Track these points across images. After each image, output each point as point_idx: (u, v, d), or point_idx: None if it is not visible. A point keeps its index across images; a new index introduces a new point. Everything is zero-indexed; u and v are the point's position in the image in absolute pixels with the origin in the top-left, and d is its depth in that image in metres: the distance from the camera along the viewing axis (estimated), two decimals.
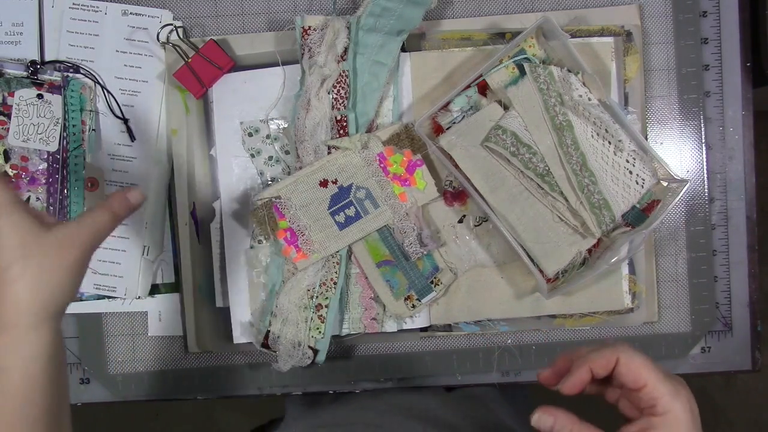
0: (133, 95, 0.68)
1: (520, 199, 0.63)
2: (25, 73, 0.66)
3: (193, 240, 0.68)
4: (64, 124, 0.66)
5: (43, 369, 0.43)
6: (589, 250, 0.64)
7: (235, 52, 0.68)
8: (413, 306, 0.65)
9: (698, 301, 0.68)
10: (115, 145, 0.68)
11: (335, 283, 0.65)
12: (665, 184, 0.64)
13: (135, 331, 0.70)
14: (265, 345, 0.66)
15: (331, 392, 0.70)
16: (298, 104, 0.64)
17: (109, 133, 0.68)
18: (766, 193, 0.98)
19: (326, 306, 0.65)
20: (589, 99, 0.63)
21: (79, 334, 0.69)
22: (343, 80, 0.64)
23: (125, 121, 0.68)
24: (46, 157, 0.66)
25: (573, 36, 0.65)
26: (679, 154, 0.69)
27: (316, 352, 0.65)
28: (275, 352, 0.65)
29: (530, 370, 0.69)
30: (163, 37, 0.66)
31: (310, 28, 0.64)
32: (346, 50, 0.64)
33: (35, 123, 0.66)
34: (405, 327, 0.67)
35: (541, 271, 0.63)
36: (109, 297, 0.68)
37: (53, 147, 0.66)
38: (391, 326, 0.67)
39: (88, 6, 0.68)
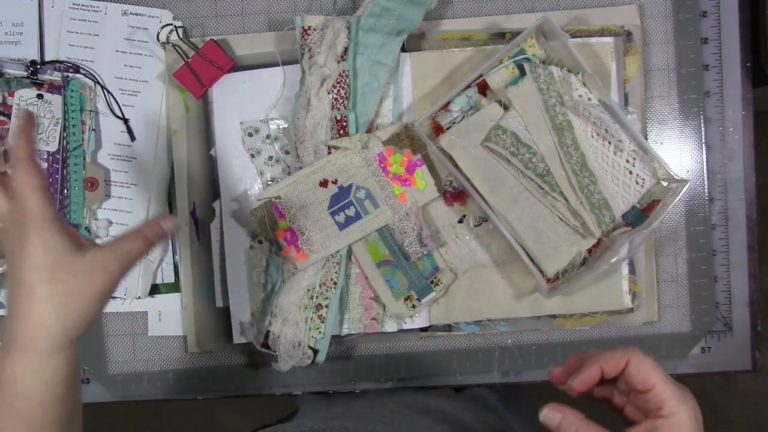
0: (133, 95, 0.68)
1: (520, 199, 0.63)
2: (25, 73, 0.66)
3: (193, 240, 0.68)
4: (64, 124, 0.66)
5: (60, 394, 0.43)
6: (589, 250, 0.64)
7: (235, 52, 0.68)
8: (413, 306, 0.65)
9: (698, 301, 0.68)
10: (115, 145, 0.68)
11: (335, 283, 0.65)
12: (665, 184, 0.64)
13: (135, 331, 0.70)
14: (265, 345, 0.66)
15: (299, 393, 0.70)
16: (298, 104, 0.64)
17: (109, 133, 0.68)
18: (766, 193, 0.98)
19: (326, 306, 0.65)
20: (589, 99, 0.63)
21: None
22: (343, 80, 0.64)
23: (125, 121, 0.68)
24: (46, 157, 0.66)
25: (573, 36, 0.65)
26: (679, 154, 0.68)
27: (316, 352, 0.65)
28: (275, 352, 0.65)
29: (530, 370, 0.69)
30: (163, 37, 0.66)
31: (310, 28, 0.64)
32: (346, 50, 0.64)
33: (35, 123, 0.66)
34: (405, 327, 0.67)
35: (541, 271, 0.63)
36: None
37: (53, 147, 0.66)
38: (391, 326, 0.67)
39: (88, 6, 0.68)
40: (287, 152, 0.67)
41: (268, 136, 0.67)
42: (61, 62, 0.67)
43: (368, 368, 0.69)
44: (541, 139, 0.63)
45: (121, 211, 0.68)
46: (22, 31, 0.67)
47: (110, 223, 0.68)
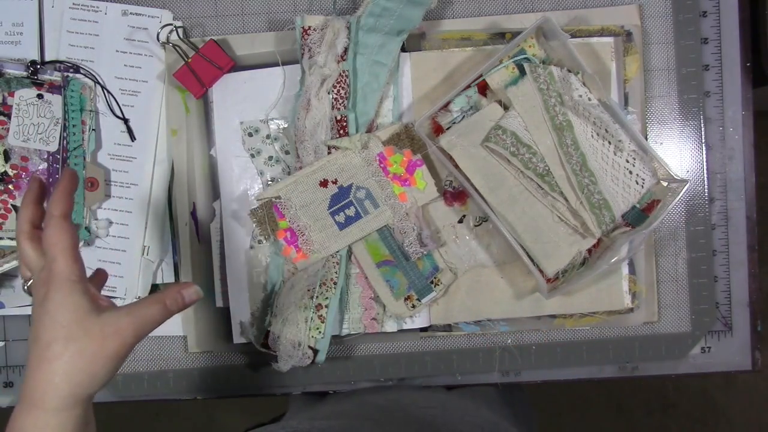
0: (133, 95, 0.68)
1: (520, 199, 0.63)
2: (25, 73, 0.66)
3: (193, 240, 0.68)
4: (64, 124, 0.66)
5: None
6: (589, 250, 0.64)
7: (235, 52, 0.68)
8: (413, 306, 0.65)
9: (698, 301, 0.68)
10: (115, 145, 0.68)
11: (335, 283, 0.65)
12: (665, 184, 0.64)
13: None
14: (265, 345, 0.66)
15: (299, 392, 0.70)
16: (298, 104, 0.64)
17: (109, 133, 0.68)
18: (766, 193, 0.98)
19: (326, 306, 0.65)
20: (589, 99, 0.63)
21: None
22: (343, 80, 0.64)
23: (125, 121, 0.68)
24: (46, 157, 0.66)
25: (573, 36, 0.65)
26: (679, 154, 0.69)
27: (316, 352, 0.65)
28: (275, 352, 0.65)
29: (530, 370, 0.69)
30: (163, 37, 0.66)
31: (310, 28, 0.64)
32: (346, 50, 0.64)
33: (35, 123, 0.66)
34: (405, 327, 0.67)
35: (541, 271, 0.63)
36: (109, 297, 0.68)
37: (53, 147, 0.66)
38: (391, 326, 0.67)
39: (88, 6, 0.68)
40: (287, 152, 0.67)
41: (268, 136, 0.67)
42: (61, 62, 0.67)
43: (368, 368, 0.69)
44: (541, 139, 0.63)
45: (121, 211, 0.68)
46: (22, 31, 0.67)
47: (110, 223, 0.68)
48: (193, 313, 0.68)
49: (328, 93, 0.64)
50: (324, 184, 0.65)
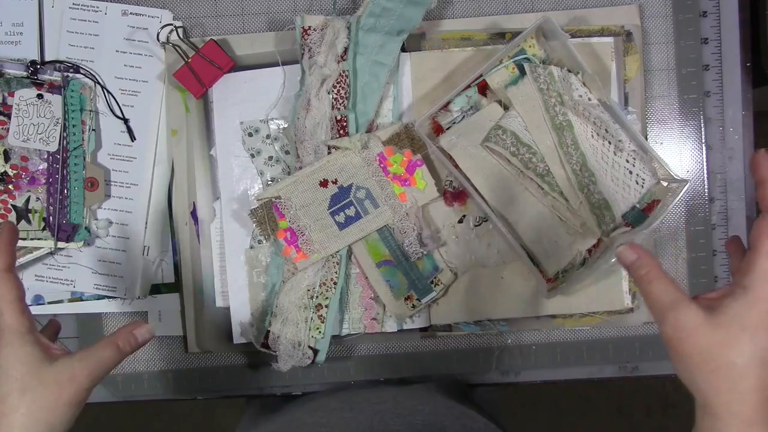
0: (133, 95, 0.68)
1: (520, 199, 0.63)
2: (25, 73, 0.66)
3: (193, 240, 0.68)
4: (64, 124, 0.66)
5: None
6: (589, 250, 0.64)
7: (235, 52, 0.68)
8: (413, 306, 0.65)
9: None
10: (115, 145, 0.68)
11: (335, 283, 0.65)
12: (665, 184, 0.64)
13: None
14: (265, 345, 0.66)
15: (299, 393, 0.70)
16: (298, 104, 0.64)
17: (109, 133, 0.68)
18: None
19: (326, 306, 0.65)
20: (589, 99, 0.63)
21: (79, 334, 0.69)
22: (343, 80, 0.64)
23: (125, 121, 0.68)
24: (46, 157, 0.66)
25: (573, 36, 0.65)
26: (679, 154, 0.69)
27: (316, 352, 0.65)
28: (275, 352, 0.65)
29: (530, 370, 0.69)
30: (163, 37, 0.66)
31: (310, 28, 0.64)
32: (346, 50, 0.64)
33: (35, 123, 0.66)
34: (405, 327, 0.67)
35: (541, 271, 0.63)
36: (109, 297, 0.68)
37: (53, 147, 0.66)
38: (391, 326, 0.67)
39: (88, 6, 0.68)
40: (287, 152, 0.67)
41: (268, 136, 0.67)
42: (61, 62, 0.67)
43: (368, 368, 0.69)
44: (541, 139, 0.63)
45: (121, 211, 0.68)
46: (22, 31, 0.67)
47: (110, 223, 0.68)
48: (193, 313, 0.68)
49: (328, 93, 0.64)
50: (324, 184, 0.65)
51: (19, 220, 0.66)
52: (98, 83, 0.67)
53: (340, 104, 0.65)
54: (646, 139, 0.67)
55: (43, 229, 0.66)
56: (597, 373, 0.70)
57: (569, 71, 0.63)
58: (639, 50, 0.67)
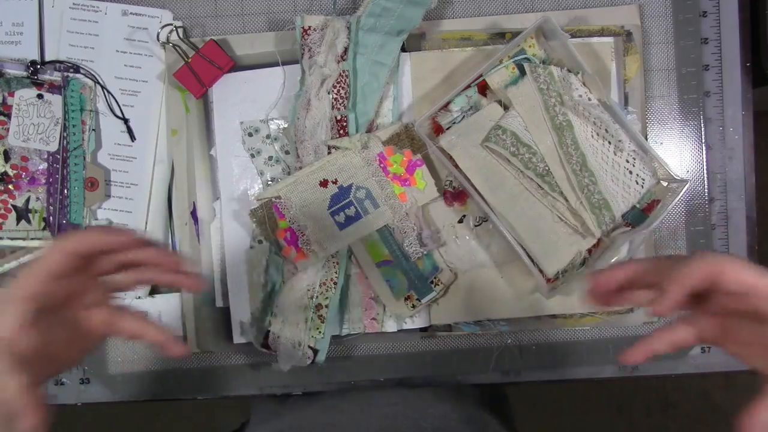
0: (133, 95, 0.68)
1: (520, 199, 0.63)
2: (25, 73, 0.66)
3: (193, 240, 0.68)
4: (64, 124, 0.66)
5: None
6: (589, 250, 0.64)
7: (235, 52, 0.68)
8: (413, 306, 0.65)
9: None
10: (115, 145, 0.68)
11: (335, 283, 0.65)
12: (665, 184, 0.64)
13: None
14: (265, 345, 0.66)
15: (299, 393, 0.70)
16: (298, 104, 0.64)
17: (109, 133, 0.68)
18: (766, 193, 0.98)
19: (326, 306, 0.65)
20: (589, 99, 0.63)
21: None
22: (343, 80, 0.64)
23: (125, 121, 0.68)
24: (46, 157, 0.66)
25: (573, 36, 0.65)
26: (679, 154, 0.69)
27: (316, 352, 0.65)
28: (275, 352, 0.65)
29: (530, 370, 0.69)
30: (163, 37, 0.66)
31: (310, 28, 0.64)
32: (346, 50, 0.64)
33: (35, 123, 0.66)
34: (405, 327, 0.67)
35: (541, 271, 0.63)
36: None
37: (53, 147, 0.66)
38: (391, 326, 0.67)
39: (88, 6, 0.68)
40: (287, 152, 0.67)
41: (268, 136, 0.67)
42: (61, 62, 0.67)
43: (368, 368, 0.69)
44: (541, 139, 0.63)
45: (121, 211, 0.68)
46: (22, 31, 0.67)
47: (110, 223, 0.68)
48: (193, 313, 0.68)
49: (328, 93, 0.64)
50: (324, 184, 0.65)
51: (19, 220, 0.66)
52: (98, 83, 0.67)
53: (340, 104, 0.65)
54: (646, 139, 0.67)
55: (43, 229, 0.66)
56: (597, 373, 0.69)
57: (569, 71, 0.63)
58: (639, 50, 0.67)
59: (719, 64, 0.68)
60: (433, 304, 0.67)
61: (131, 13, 0.68)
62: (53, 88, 0.66)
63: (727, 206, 0.69)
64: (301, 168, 0.65)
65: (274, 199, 0.65)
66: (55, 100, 0.66)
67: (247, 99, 0.67)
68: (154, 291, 0.69)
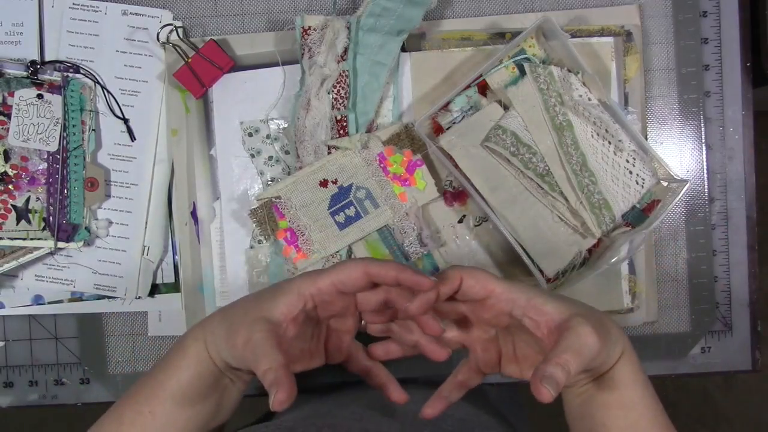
0: (133, 95, 0.68)
1: (520, 199, 0.63)
2: (25, 73, 0.66)
3: (193, 240, 0.68)
4: (64, 124, 0.66)
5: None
6: (589, 250, 0.64)
7: (235, 52, 0.68)
8: None
9: (698, 301, 0.68)
10: (115, 145, 0.68)
11: None
12: (665, 184, 0.64)
13: (135, 331, 0.70)
14: None
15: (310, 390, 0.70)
16: (298, 104, 0.64)
17: (109, 133, 0.68)
18: (766, 193, 0.98)
19: None
20: (589, 99, 0.63)
21: (79, 334, 0.69)
22: (343, 80, 0.64)
23: (125, 121, 0.68)
24: (46, 157, 0.66)
25: (573, 36, 0.65)
26: (679, 154, 0.69)
27: None
28: None
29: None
30: (163, 37, 0.66)
31: (310, 28, 0.64)
32: (346, 50, 0.64)
33: (35, 123, 0.66)
34: None
35: (541, 271, 0.63)
36: (109, 297, 0.68)
37: (53, 147, 0.66)
38: None
39: (88, 6, 0.68)
40: (287, 152, 0.67)
41: (268, 136, 0.67)
42: (61, 62, 0.67)
43: None
44: (541, 139, 0.63)
45: (121, 211, 0.68)
46: (22, 31, 0.67)
47: (110, 223, 0.68)
48: (194, 313, 0.68)
49: (328, 93, 0.64)
50: (324, 184, 0.65)
51: (19, 220, 0.66)
52: (98, 83, 0.67)
53: (340, 104, 0.65)
54: (646, 139, 0.67)
55: (43, 229, 0.66)
56: None
57: (569, 71, 0.63)
58: (639, 50, 0.67)
59: (719, 64, 0.68)
60: None
61: (131, 13, 0.68)
62: (53, 88, 0.66)
63: (727, 206, 0.69)
64: (301, 168, 0.65)
65: (274, 199, 0.65)
66: (55, 100, 0.66)
67: (247, 99, 0.67)
68: (154, 291, 0.69)
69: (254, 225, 0.66)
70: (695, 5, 0.68)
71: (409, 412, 0.59)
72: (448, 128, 0.65)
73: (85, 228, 0.67)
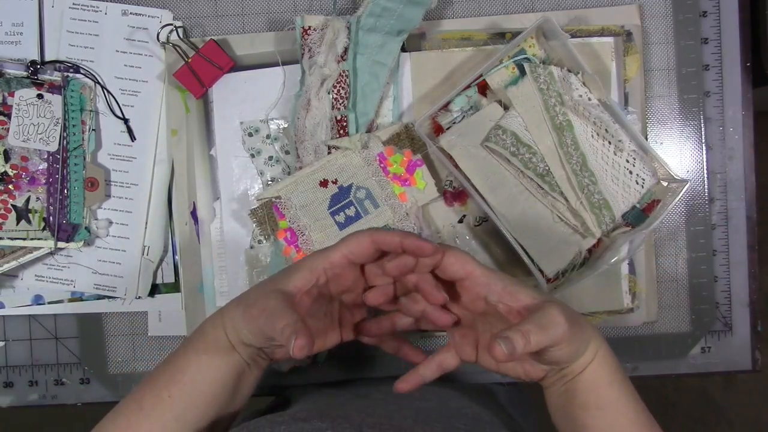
0: (133, 95, 0.68)
1: (520, 199, 0.63)
2: (25, 73, 0.66)
3: (193, 240, 0.68)
4: (64, 124, 0.66)
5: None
6: (589, 250, 0.64)
7: (235, 52, 0.68)
8: None
9: (698, 301, 0.68)
10: (115, 145, 0.68)
11: None
12: (665, 184, 0.64)
13: (135, 331, 0.70)
14: None
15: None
16: (298, 104, 0.64)
17: (109, 133, 0.68)
18: (766, 193, 0.98)
19: None
20: (589, 99, 0.63)
21: (79, 334, 0.69)
22: (343, 80, 0.64)
23: (125, 121, 0.68)
24: (46, 157, 0.66)
25: (573, 36, 0.65)
26: (679, 154, 0.69)
27: None
28: None
29: None
30: (163, 37, 0.66)
31: (310, 28, 0.64)
32: (346, 50, 0.64)
33: (35, 123, 0.66)
34: None
35: (541, 271, 0.63)
36: (109, 297, 0.68)
37: (53, 147, 0.66)
38: None
39: (88, 6, 0.68)
40: (287, 152, 0.67)
41: (268, 136, 0.67)
42: (61, 62, 0.67)
43: (368, 368, 0.69)
44: (541, 139, 0.63)
45: (121, 211, 0.68)
46: (22, 31, 0.67)
47: (110, 223, 0.68)
48: (194, 313, 0.68)
49: (328, 93, 0.64)
50: (324, 184, 0.65)
51: (19, 220, 0.66)
52: (98, 83, 0.67)
53: (340, 104, 0.65)
54: (646, 139, 0.67)
55: (43, 229, 0.66)
56: None
57: (569, 71, 0.63)
58: (639, 50, 0.67)
59: (719, 64, 0.68)
60: None
61: (131, 13, 0.68)
62: (53, 88, 0.66)
63: (727, 206, 0.69)
64: (301, 168, 0.65)
65: (274, 199, 0.65)
66: (55, 100, 0.66)
67: (247, 99, 0.67)
68: (154, 291, 0.69)
69: (254, 225, 0.66)
70: (695, 5, 0.68)
71: (422, 408, 0.59)
72: (448, 128, 0.65)
73: (85, 228, 0.67)
